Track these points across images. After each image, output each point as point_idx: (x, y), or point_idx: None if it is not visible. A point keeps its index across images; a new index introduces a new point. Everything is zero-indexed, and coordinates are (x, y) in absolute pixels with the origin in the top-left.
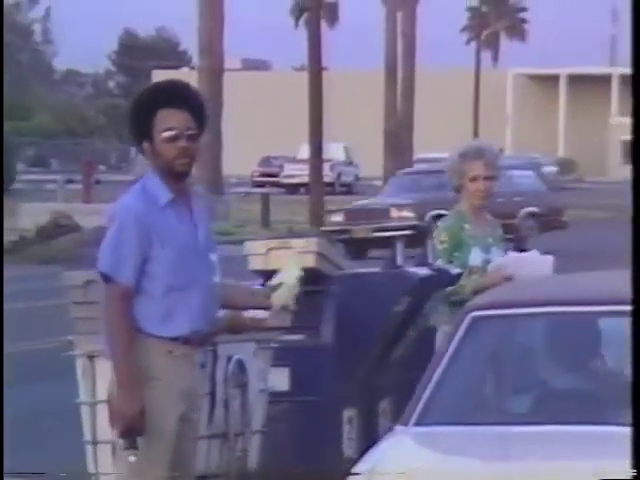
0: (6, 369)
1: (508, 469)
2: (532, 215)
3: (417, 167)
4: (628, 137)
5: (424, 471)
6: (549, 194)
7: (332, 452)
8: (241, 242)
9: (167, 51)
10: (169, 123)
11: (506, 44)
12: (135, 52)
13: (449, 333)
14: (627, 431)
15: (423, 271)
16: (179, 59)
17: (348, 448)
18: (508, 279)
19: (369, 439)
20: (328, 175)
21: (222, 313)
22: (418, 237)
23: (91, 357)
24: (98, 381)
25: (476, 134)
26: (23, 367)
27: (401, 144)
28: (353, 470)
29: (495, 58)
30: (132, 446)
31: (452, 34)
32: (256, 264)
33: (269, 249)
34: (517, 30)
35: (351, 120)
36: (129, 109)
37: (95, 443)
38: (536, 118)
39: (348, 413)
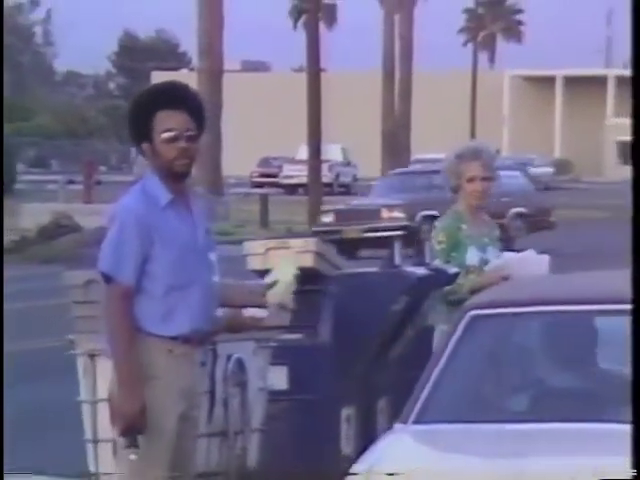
0: (7, 368)
1: (507, 467)
2: (520, 215)
3: (406, 168)
4: (623, 138)
5: (422, 471)
6: (537, 194)
7: (330, 450)
8: (240, 242)
9: (167, 53)
10: (168, 124)
11: (502, 46)
12: (135, 54)
13: (448, 332)
14: (625, 428)
15: (421, 271)
16: (179, 60)
17: (346, 446)
18: (505, 279)
19: (367, 437)
20: (326, 176)
21: (221, 312)
22: (409, 237)
23: (92, 356)
24: (99, 380)
25: (473, 135)
26: (24, 366)
27: (399, 145)
28: (352, 469)
29: (492, 60)
30: (133, 445)
31: (449, 36)
32: (255, 264)
33: (268, 249)
34: (513, 32)
35: (349, 121)
36: (129, 110)
37: (96, 441)
38: (532, 119)
39: (346, 411)
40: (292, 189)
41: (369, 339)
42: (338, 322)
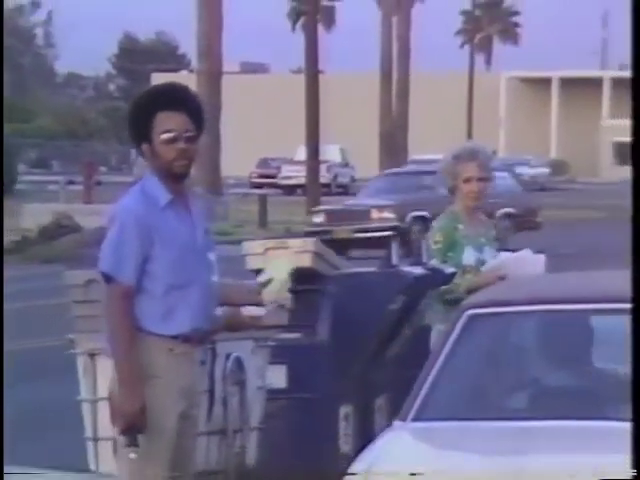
0: (8, 367)
1: (507, 465)
2: (508, 216)
3: (396, 169)
4: (619, 139)
5: (421, 471)
6: (524, 195)
7: (328, 448)
8: (239, 242)
9: (166, 54)
10: (168, 125)
11: (499, 48)
12: (135, 55)
13: (446, 330)
14: (623, 426)
15: (418, 270)
16: (178, 62)
17: (344, 444)
18: (502, 279)
19: (365, 435)
20: (325, 176)
21: (221, 311)
22: (399, 238)
23: (92, 355)
24: (99, 379)
25: (470, 136)
26: (25, 365)
27: (396, 146)
28: (351, 468)
29: (488, 61)
30: (133, 443)
31: (446, 38)
32: (254, 264)
33: (267, 249)
34: (510, 34)
35: (347, 122)
36: (128, 111)
37: (96, 440)
38: (529, 120)
39: (344, 410)
40: (290, 189)
41: (367, 338)
42: (336, 321)
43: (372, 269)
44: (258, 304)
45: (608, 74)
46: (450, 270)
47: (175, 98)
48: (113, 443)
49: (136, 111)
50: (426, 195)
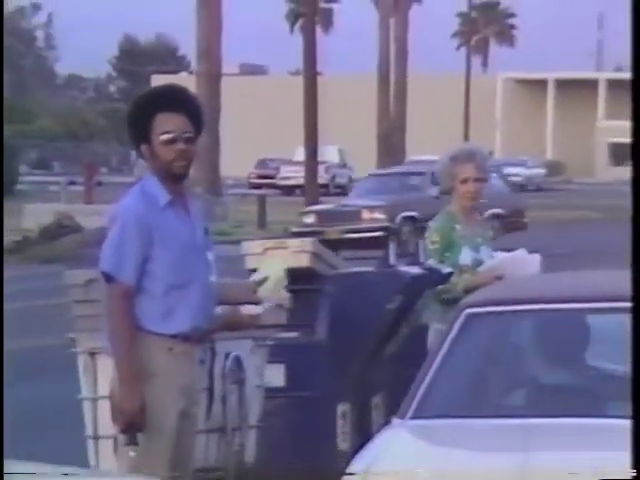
0: (10, 366)
1: (506, 462)
2: (497, 217)
3: (384, 170)
4: (614, 140)
5: (421, 470)
6: (511, 196)
7: (326, 446)
8: (238, 242)
9: (166, 56)
10: (167, 126)
11: (495, 49)
12: (135, 57)
13: (445, 329)
14: (622, 423)
15: (415, 270)
16: (178, 64)
17: (342, 442)
18: (499, 279)
19: (362, 433)
20: (323, 177)
21: (220, 311)
22: (395, 238)
23: (92, 354)
24: (99, 377)
25: (466, 137)
26: (26, 364)
27: (394, 147)
28: (349, 467)
29: (485, 63)
30: (132, 442)
31: (443, 40)
32: (253, 264)
33: (265, 249)
34: (506, 36)
35: (345, 123)
36: (128, 113)
37: (96, 438)
38: (525, 121)
39: (342, 408)
40: (289, 190)
41: (365, 337)
42: (334, 321)
43: (370, 269)
44: (254, 302)
45: (603, 76)
46: (447, 270)
47: (174, 99)
48: (114, 441)
49: (135, 112)
50: (416, 196)
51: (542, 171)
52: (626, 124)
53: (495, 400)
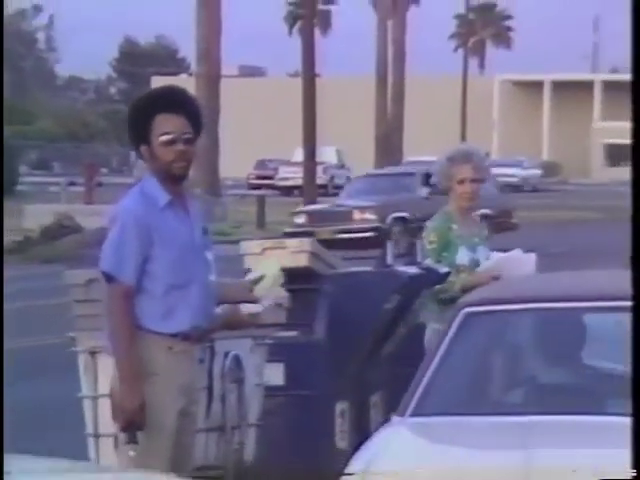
0: (11, 364)
1: (506, 459)
2: (486, 217)
3: (373, 170)
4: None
5: (418, 471)
6: (500, 196)
7: (325, 444)
8: (238, 242)
9: (166, 58)
10: (166, 127)
11: (492, 51)
12: (135, 59)
13: (443, 328)
14: (619, 420)
15: (412, 270)
16: (178, 66)
17: (340, 440)
18: (496, 279)
19: (360, 431)
20: (321, 177)
21: (220, 310)
22: (380, 239)
23: (93, 353)
24: (100, 376)
25: (464, 138)
26: (27, 362)
27: (391, 147)
28: (349, 466)
29: (482, 65)
30: (132, 440)
31: (440, 41)
32: (251, 263)
33: (264, 249)
34: (503, 38)
35: (343, 124)
36: (128, 114)
37: (97, 436)
38: (521, 123)
39: (340, 406)
40: (288, 191)
41: (363, 336)
42: (333, 320)
43: (368, 269)
44: (251, 301)
45: (599, 77)
46: (444, 269)
47: (173, 101)
48: (114, 439)
49: (135, 113)
50: (406, 196)
51: (538, 172)
52: (621, 125)
53: (494, 398)
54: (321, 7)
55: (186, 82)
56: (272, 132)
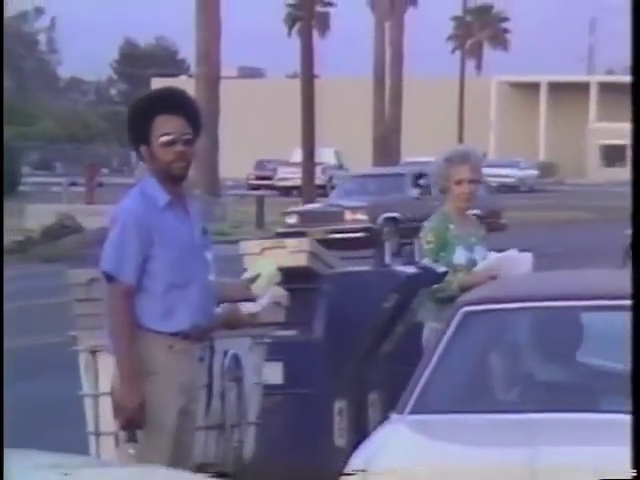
0: (12, 363)
1: (503, 457)
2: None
3: (363, 171)
4: (606, 141)
5: (418, 469)
6: (488, 197)
7: (323, 441)
8: (237, 242)
9: (166, 60)
10: (166, 128)
11: (489, 53)
12: (135, 61)
13: (442, 327)
14: (616, 417)
15: (410, 269)
16: (177, 67)
17: (339, 438)
18: (493, 278)
19: (358, 429)
20: (320, 178)
21: (219, 309)
22: (371, 239)
23: (93, 352)
24: (100, 375)
25: (461, 139)
26: (28, 361)
27: (389, 148)
28: (349, 464)
29: (479, 67)
30: (132, 439)
31: (438, 43)
32: (250, 263)
33: (263, 249)
34: (500, 40)
35: (342, 125)
36: (128, 115)
37: (98, 434)
38: (518, 124)
39: (339, 405)
40: (287, 191)
41: (361, 335)
42: (331, 319)
43: (366, 268)
44: (249, 299)
45: (595, 79)
46: (442, 269)
47: (173, 102)
48: (115, 437)
49: (135, 115)
50: (397, 197)
51: (535, 172)
52: (617, 126)
53: (493, 395)
54: (319, 9)
55: (186, 83)
56: (271, 133)
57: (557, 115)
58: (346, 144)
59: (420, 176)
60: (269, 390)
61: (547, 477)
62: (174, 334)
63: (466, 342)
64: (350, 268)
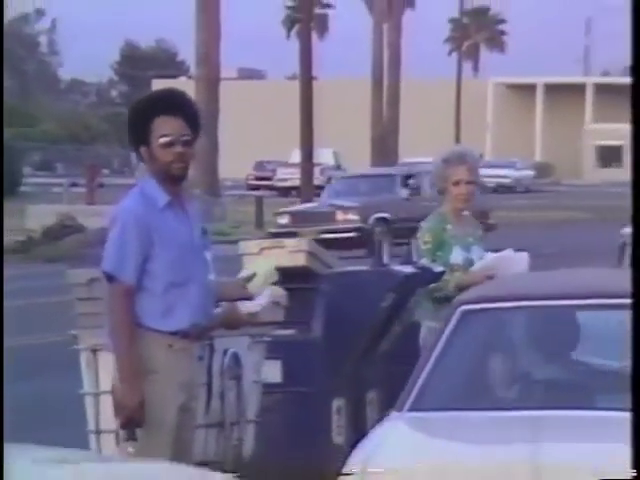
0: (13, 362)
1: (502, 454)
2: None
3: (353, 172)
4: (602, 142)
5: (417, 467)
6: (478, 197)
7: (322, 439)
8: (236, 242)
9: (166, 61)
10: (165, 130)
11: (486, 55)
12: (136, 62)
13: (437, 326)
14: (614, 415)
15: (408, 269)
16: (178, 69)
17: (337, 436)
18: (490, 278)
19: (356, 427)
20: (318, 178)
21: (219, 309)
22: (362, 239)
23: (94, 351)
24: (101, 373)
25: (458, 140)
26: (29, 360)
27: (387, 149)
28: (347, 462)
29: (476, 68)
30: (131, 437)
31: (435, 45)
32: (248, 262)
33: (262, 248)
34: (496, 41)
35: (340, 126)
36: (128, 116)
37: (98, 432)
38: (515, 125)
39: (337, 403)
40: (286, 191)
41: (359, 334)
42: (330, 318)
43: (364, 268)
44: (246, 298)
45: (591, 80)
46: (439, 269)
47: (172, 103)
48: (115, 435)
49: (135, 116)
50: (388, 197)
51: (531, 173)
52: (613, 127)
53: (491, 393)
54: (318, 11)
55: (186, 85)
56: (270, 134)
57: (553, 116)
58: (344, 145)
59: (409, 177)
60: (268, 388)
61: (546, 474)
62: (174, 333)
63: (464, 340)
64: (348, 268)
